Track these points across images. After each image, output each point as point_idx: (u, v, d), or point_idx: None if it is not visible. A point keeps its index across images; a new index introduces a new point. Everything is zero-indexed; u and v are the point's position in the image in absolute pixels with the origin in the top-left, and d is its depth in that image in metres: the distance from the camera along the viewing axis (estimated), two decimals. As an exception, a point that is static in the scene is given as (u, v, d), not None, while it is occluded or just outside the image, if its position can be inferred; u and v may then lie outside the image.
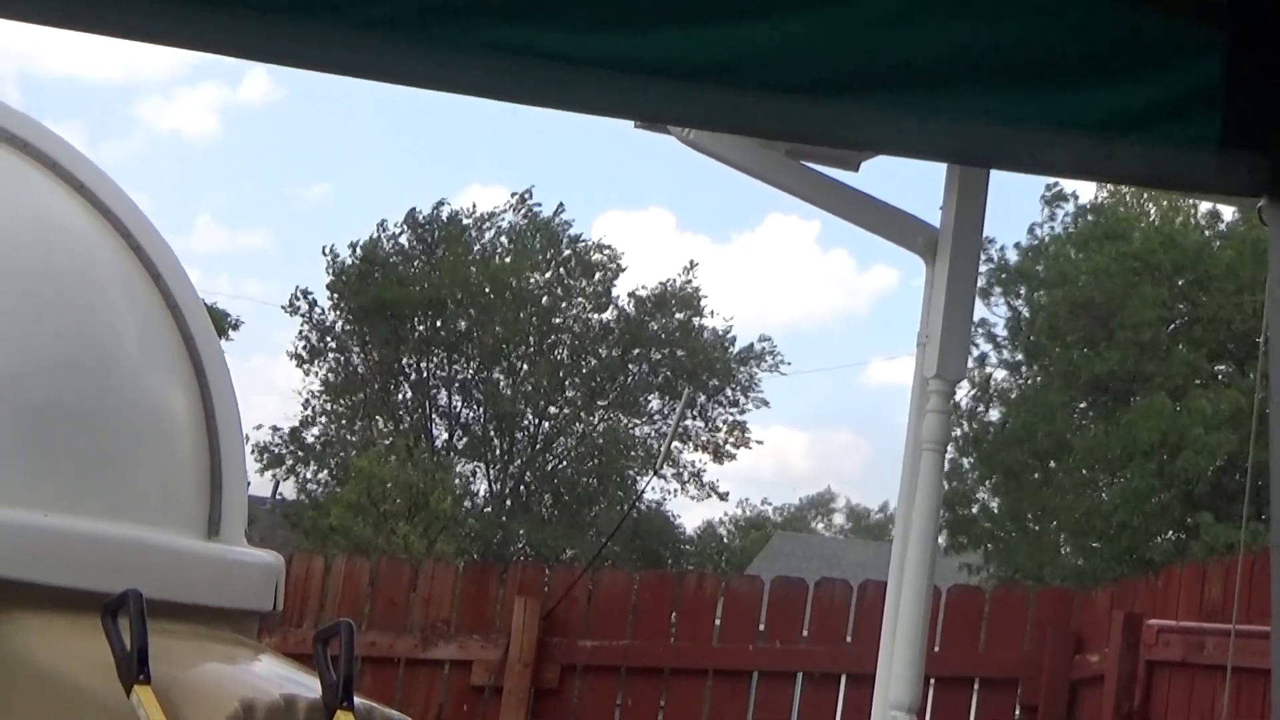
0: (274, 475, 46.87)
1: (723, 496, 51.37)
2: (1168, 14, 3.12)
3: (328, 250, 46.81)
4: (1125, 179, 3.57)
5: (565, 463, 49.56)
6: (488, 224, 48.36)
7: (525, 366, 48.13)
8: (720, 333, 49.17)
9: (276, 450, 47.15)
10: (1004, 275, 38.22)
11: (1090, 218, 38.09)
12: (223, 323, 33.97)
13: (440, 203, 48.15)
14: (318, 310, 47.55)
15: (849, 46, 2.97)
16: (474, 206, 48.84)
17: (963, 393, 36.16)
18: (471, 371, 48.31)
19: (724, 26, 2.91)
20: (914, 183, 6.32)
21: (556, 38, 2.82)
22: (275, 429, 47.26)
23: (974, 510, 38.80)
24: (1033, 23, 3.05)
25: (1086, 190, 41.42)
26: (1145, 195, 37.87)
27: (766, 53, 2.92)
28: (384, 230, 47.38)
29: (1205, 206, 35.88)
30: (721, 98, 2.94)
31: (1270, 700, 3.20)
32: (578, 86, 2.88)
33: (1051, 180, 37.03)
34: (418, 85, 2.92)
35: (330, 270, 46.95)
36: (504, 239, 48.29)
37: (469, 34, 2.79)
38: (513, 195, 48.93)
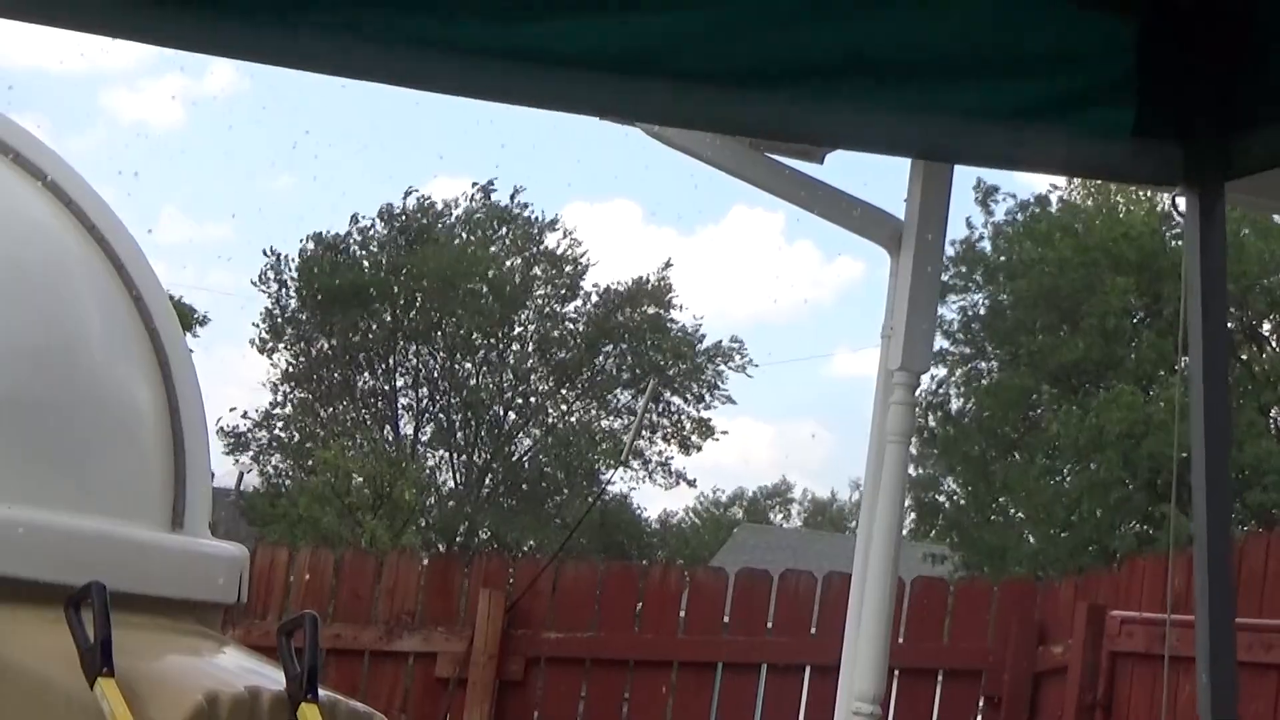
0: (239, 466, 46.80)
1: (691, 483, 51.46)
2: (1081, 4, 3.14)
3: (298, 240, 46.84)
4: (1041, 168, 3.62)
5: (532, 454, 49.55)
6: (456, 213, 48.33)
7: (493, 356, 48.08)
8: (689, 329, 49.22)
9: (243, 438, 47.03)
10: (963, 268, 38.36)
11: (1037, 210, 38.31)
12: (189, 318, 33.87)
13: (408, 192, 48.11)
14: (285, 290, 47.35)
15: (773, 39, 2.97)
16: (456, 200, 48.62)
17: (927, 384, 36.29)
18: (439, 361, 48.26)
19: (669, 17, 2.91)
20: (879, 175, 6.32)
21: (509, 32, 2.81)
22: (245, 415, 47.16)
23: (939, 497, 38.99)
24: (946, 16, 3.07)
25: (1023, 186, 41.74)
26: (1097, 189, 38.10)
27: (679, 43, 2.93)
28: (355, 222, 47.33)
29: (1165, 201, 35.99)
30: (669, 92, 2.95)
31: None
32: (532, 82, 2.88)
33: (976, 179, 37.42)
34: (371, 80, 2.90)
35: (293, 260, 46.88)
36: (472, 229, 48.23)
37: (420, 30, 2.77)
38: (473, 185, 48.82)
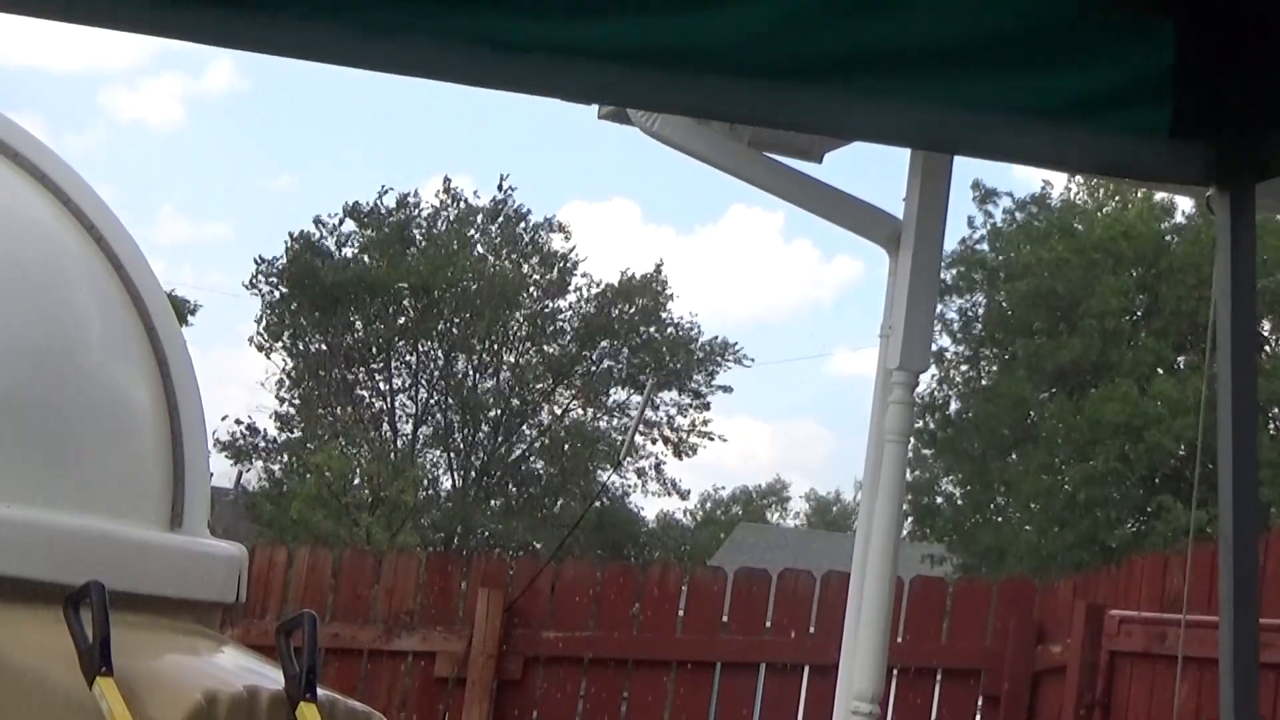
0: (238, 467, 46.79)
1: (684, 495, 51.46)
2: (1118, 2, 3.14)
3: (296, 240, 46.76)
4: (1077, 167, 3.61)
5: (529, 454, 49.51)
6: (453, 213, 48.27)
7: (490, 356, 48.04)
8: (685, 327, 49.13)
9: (239, 443, 46.99)
10: (962, 269, 38.38)
11: (1035, 209, 38.32)
12: (182, 309, 33.83)
13: (382, 191, 48.03)
14: (281, 290, 47.28)
15: (807, 32, 2.97)
16: (453, 199, 48.51)
17: (924, 386, 36.31)
18: (436, 361, 48.22)
19: (685, 12, 2.92)
20: (877, 174, 6.33)
21: (521, 24, 2.83)
22: (238, 421, 47.16)
23: (938, 499, 38.99)
24: (987, 9, 3.06)
25: (1021, 184, 41.74)
26: (1097, 186, 38.09)
27: (729, 38, 2.94)
28: (339, 220, 47.26)
29: (1159, 197, 36.07)
30: (682, 82, 2.95)
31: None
32: (541, 72, 2.89)
33: (974, 180, 37.43)
34: (388, 71, 2.92)
35: (288, 260, 46.81)
36: (469, 228, 48.19)
37: (433, 20, 2.79)
38: (458, 183, 48.73)
